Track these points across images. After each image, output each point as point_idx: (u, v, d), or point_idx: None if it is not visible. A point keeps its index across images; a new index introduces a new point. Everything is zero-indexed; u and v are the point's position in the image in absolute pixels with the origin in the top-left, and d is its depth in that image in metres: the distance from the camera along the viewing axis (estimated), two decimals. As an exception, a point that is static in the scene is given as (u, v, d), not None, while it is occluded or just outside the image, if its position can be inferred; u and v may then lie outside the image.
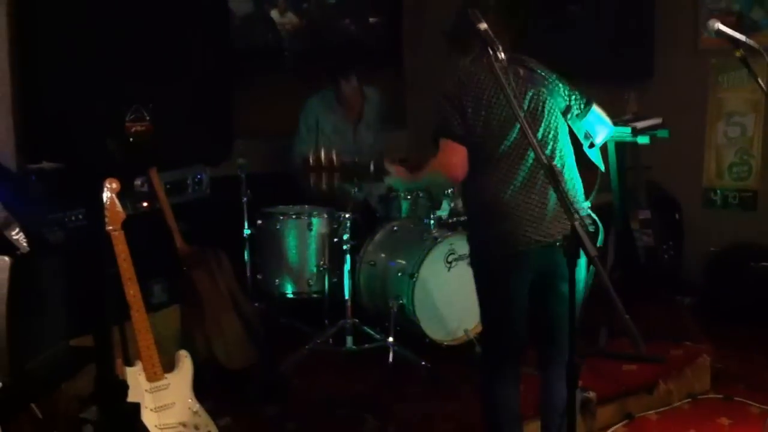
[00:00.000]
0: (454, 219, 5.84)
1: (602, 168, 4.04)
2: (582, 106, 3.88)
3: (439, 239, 5.49)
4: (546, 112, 3.74)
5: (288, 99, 6.66)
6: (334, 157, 3.86)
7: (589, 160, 3.99)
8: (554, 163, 3.64)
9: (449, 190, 5.73)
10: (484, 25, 3.13)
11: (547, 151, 3.72)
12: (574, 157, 3.84)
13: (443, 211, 5.76)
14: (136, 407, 2.84)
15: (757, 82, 3.72)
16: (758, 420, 4.91)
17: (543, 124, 3.74)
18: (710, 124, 7.21)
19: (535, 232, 3.68)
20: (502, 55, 3.08)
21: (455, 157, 3.74)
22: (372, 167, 3.93)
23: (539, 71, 3.82)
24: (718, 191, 7.22)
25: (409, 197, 5.95)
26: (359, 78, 6.46)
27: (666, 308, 6.60)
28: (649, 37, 7.27)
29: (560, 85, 3.83)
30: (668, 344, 5.63)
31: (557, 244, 3.63)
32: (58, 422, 3.93)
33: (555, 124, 3.77)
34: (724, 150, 7.18)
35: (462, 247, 5.51)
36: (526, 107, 3.70)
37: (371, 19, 7.84)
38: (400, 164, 4.03)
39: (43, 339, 3.44)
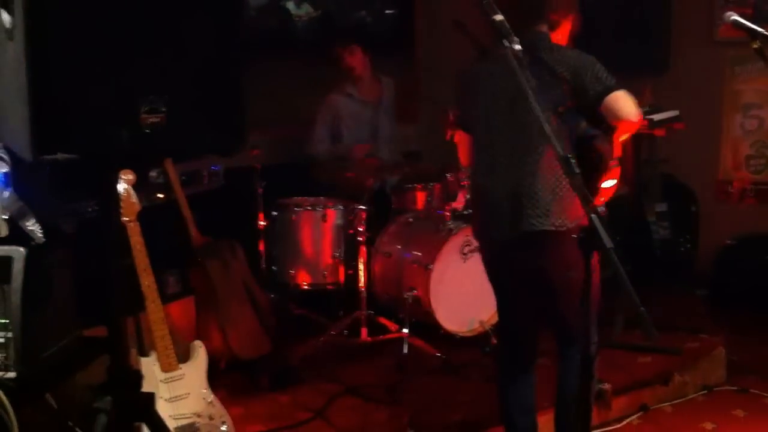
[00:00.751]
0: (470, 210, 5.82)
1: (610, 162, 3.92)
2: (596, 97, 3.71)
3: (455, 230, 5.49)
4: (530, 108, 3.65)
5: (302, 90, 6.65)
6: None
7: (596, 150, 3.88)
8: (528, 159, 3.68)
9: (464, 181, 5.69)
10: (500, 16, 3.11)
11: (524, 142, 3.72)
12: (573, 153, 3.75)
13: (459, 203, 5.75)
14: (150, 397, 2.84)
15: (774, 73, 3.70)
16: (773, 412, 4.90)
17: (531, 117, 3.69)
18: (727, 116, 7.18)
19: (505, 224, 3.72)
20: (518, 47, 3.06)
21: (461, 145, 4.04)
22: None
23: (544, 59, 3.72)
24: (735, 184, 7.20)
25: (425, 189, 5.96)
26: (366, 53, 6.43)
27: (682, 300, 6.60)
28: (665, 29, 7.24)
29: (567, 74, 3.71)
30: (684, 336, 5.63)
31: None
32: (72, 412, 3.95)
33: (546, 117, 3.67)
34: (740, 142, 7.16)
35: (477, 238, 5.52)
36: (515, 100, 3.68)
37: (387, 11, 7.83)
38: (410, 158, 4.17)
39: (57, 329, 3.45)
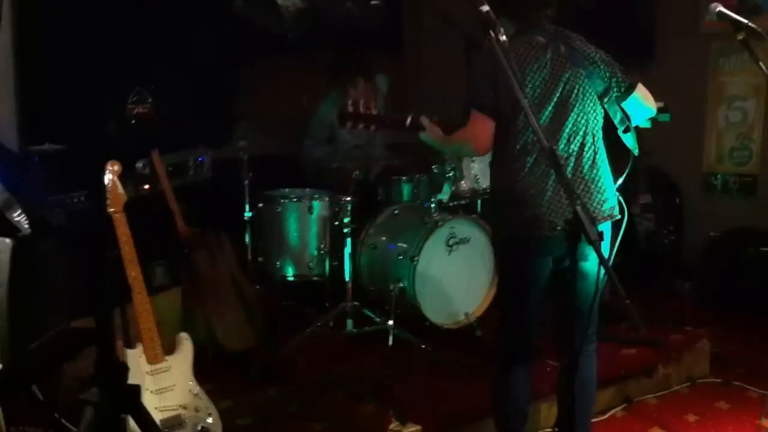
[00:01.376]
0: (455, 202, 5.84)
1: (636, 153, 3.98)
2: (623, 89, 3.82)
3: (440, 222, 5.49)
4: (581, 96, 3.69)
5: (290, 81, 6.66)
6: (372, 109, 3.91)
7: (623, 144, 3.93)
8: (585, 150, 3.67)
9: (450, 174, 5.69)
10: (486, 7, 3.10)
11: (578, 137, 3.69)
12: (604, 144, 3.78)
13: (444, 195, 5.74)
14: (136, 389, 2.84)
15: (758, 65, 3.72)
16: (756, 404, 4.92)
17: (576, 108, 3.69)
18: (711, 108, 7.21)
19: (556, 218, 3.61)
20: (503, 38, 3.06)
21: (482, 130, 3.72)
22: (408, 121, 3.95)
23: (582, 50, 3.78)
24: (719, 176, 7.24)
25: (410, 181, 5.96)
26: (365, 75, 6.42)
27: (666, 293, 6.66)
28: (650, 21, 7.27)
29: (602, 66, 3.78)
30: (668, 328, 5.67)
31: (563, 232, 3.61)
32: (58, 403, 3.95)
33: (590, 108, 3.72)
34: (724, 134, 7.19)
35: (463, 230, 5.52)
36: (560, 90, 3.67)
37: (372, 2, 7.83)
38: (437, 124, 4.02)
39: (44, 320, 3.45)
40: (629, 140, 3.93)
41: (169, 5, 2.43)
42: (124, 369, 2.81)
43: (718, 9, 3.79)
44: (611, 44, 7.18)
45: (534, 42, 3.71)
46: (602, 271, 2.78)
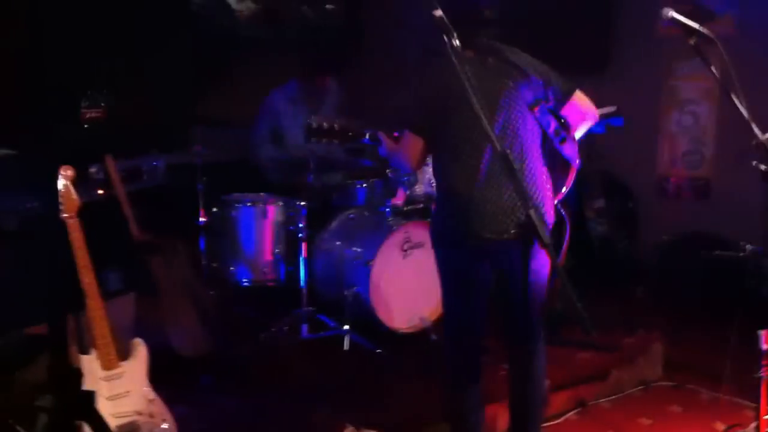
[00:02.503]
0: (410, 207, 5.85)
1: (573, 164, 3.99)
2: (559, 98, 3.83)
3: (395, 227, 5.50)
4: (508, 106, 3.69)
5: (246, 86, 6.62)
6: (336, 124, 3.92)
7: (562, 156, 3.95)
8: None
9: (405, 178, 5.71)
10: (439, 12, 3.12)
11: (505, 146, 3.70)
12: (539, 153, 3.78)
13: (399, 199, 5.76)
14: (90, 395, 2.82)
15: (710, 70, 3.75)
16: (708, 407, 4.98)
17: (503, 118, 3.70)
18: (664, 112, 7.28)
19: (488, 228, 3.67)
20: (457, 43, 3.08)
21: (410, 150, 3.85)
22: (367, 136, 3.99)
23: (512, 61, 3.76)
24: (671, 180, 7.31)
25: (365, 185, 5.96)
26: (333, 78, 6.43)
27: (620, 297, 6.71)
28: (605, 25, 7.33)
29: (533, 77, 3.78)
30: (621, 332, 5.70)
31: (511, 236, 3.66)
32: (12, 410, 3.90)
33: (518, 118, 3.71)
34: (677, 138, 7.26)
35: (418, 234, 5.53)
36: (486, 100, 3.69)
37: (327, 6, 7.82)
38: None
39: (-4, 327, 3.42)
40: (568, 150, 3.95)
41: (123, 10, 2.41)
42: (78, 375, 2.79)
43: (670, 14, 3.81)
44: (567, 48, 7.28)
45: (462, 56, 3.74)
46: (548, 273, 2.83)
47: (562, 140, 3.89)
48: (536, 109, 3.78)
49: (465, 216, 3.71)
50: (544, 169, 3.78)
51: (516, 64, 3.77)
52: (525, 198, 2.89)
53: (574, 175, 3.95)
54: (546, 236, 2.78)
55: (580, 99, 3.89)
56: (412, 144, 3.83)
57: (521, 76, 3.75)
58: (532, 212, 2.80)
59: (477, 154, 3.68)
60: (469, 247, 3.77)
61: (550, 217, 3.78)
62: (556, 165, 3.85)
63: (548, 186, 3.79)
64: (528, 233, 2.82)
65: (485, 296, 3.86)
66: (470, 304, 3.89)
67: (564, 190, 3.89)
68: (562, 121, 3.88)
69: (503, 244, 3.69)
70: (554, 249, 2.79)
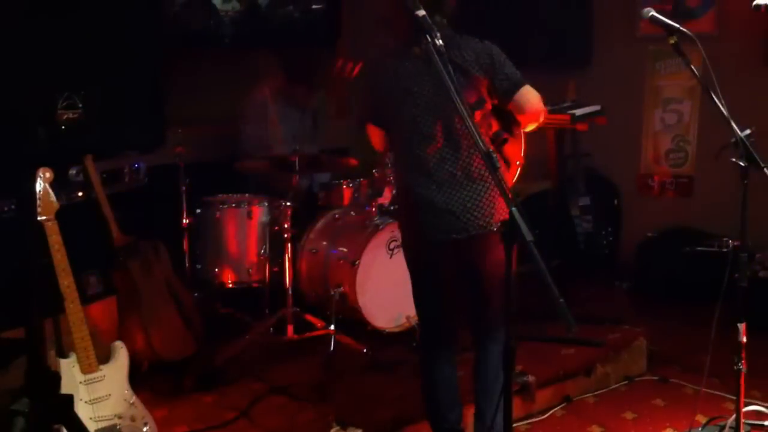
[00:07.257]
0: (396, 206, 5.82)
1: (508, 164, 3.98)
2: (505, 94, 3.81)
3: (381, 226, 5.49)
4: (450, 110, 3.54)
5: (228, 86, 6.59)
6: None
7: (504, 154, 3.96)
8: (447, 162, 3.77)
9: (390, 177, 5.70)
10: (422, 12, 3.15)
11: (440, 145, 3.78)
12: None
13: (385, 198, 5.74)
14: (69, 399, 2.80)
15: (690, 68, 3.76)
16: (692, 400, 4.98)
17: (445, 121, 3.75)
18: (647, 110, 7.31)
19: (440, 226, 3.78)
20: (440, 42, 3.10)
21: (374, 135, 4.12)
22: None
23: (457, 62, 3.66)
24: (655, 177, 7.32)
25: (351, 185, 5.94)
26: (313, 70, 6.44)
27: (604, 292, 6.76)
28: (587, 24, 7.34)
29: (479, 75, 3.76)
30: (606, 328, 5.72)
31: (468, 234, 3.77)
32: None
33: (453, 115, 3.67)
34: (661, 136, 7.28)
35: (403, 234, 5.52)
36: (423, 101, 3.78)
37: (314, 6, 7.79)
38: None
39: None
40: (509, 151, 3.95)
41: (98, 7, 2.39)
42: (56, 379, 2.77)
43: (650, 14, 3.83)
44: (549, 47, 7.28)
45: (403, 54, 3.84)
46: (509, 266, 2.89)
47: (503, 142, 3.88)
48: (478, 109, 3.77)
49: (415, 216, 3.89)
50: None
51: (460, 65, 3.70)
52: (506, 196, 2.88)
53: (516, 172, 4.05)
54: (528, 233, 2.78)
55: (524, 96, 3.84)
56: (373, 132, 4.11)
57: (464, 76, 3.69)
58: (514, 210, 2.80)
59: (427, 154, 3.78)
60: (421, 244, 3.94)
61: (501, 217, 3.74)
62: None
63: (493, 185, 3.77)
64: (509, 229, 2.81)
65: (443, 286, 4.02)
66: (428, 293, 4.11)
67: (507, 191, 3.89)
68: (506, 120, 3.91)
69: (456, 242, 3.79)
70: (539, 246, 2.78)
